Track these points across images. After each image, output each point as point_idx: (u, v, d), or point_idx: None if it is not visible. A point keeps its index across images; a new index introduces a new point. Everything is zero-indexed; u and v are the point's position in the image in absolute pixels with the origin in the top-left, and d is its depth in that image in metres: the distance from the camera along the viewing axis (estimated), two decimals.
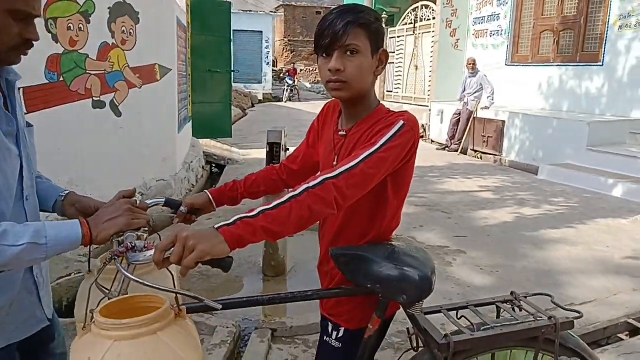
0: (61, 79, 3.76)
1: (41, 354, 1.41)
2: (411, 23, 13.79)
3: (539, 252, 4.43)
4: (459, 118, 9.97)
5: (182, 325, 1.07)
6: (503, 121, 8.98)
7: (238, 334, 2.89)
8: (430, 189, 6.72)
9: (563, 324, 1.42)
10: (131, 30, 4.48)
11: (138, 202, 1.28)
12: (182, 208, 1.49)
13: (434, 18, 12.15)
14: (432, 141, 11.41)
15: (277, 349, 2.83)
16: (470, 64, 9.69)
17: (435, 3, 12.02)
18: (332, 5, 33.16)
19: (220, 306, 1.08)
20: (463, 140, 9.90)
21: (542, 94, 9.42)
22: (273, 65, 23.09)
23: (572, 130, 7.71)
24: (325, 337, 1.45)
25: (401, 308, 1.43)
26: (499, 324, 1.41)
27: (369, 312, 1.36)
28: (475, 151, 9.68)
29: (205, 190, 1.56)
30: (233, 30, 8.54)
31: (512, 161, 8.69)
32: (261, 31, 21.38)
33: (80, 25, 3.93)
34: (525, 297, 1.58)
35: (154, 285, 1.04)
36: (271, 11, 26.03)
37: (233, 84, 9.77)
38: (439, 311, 1.50)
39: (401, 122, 1.31)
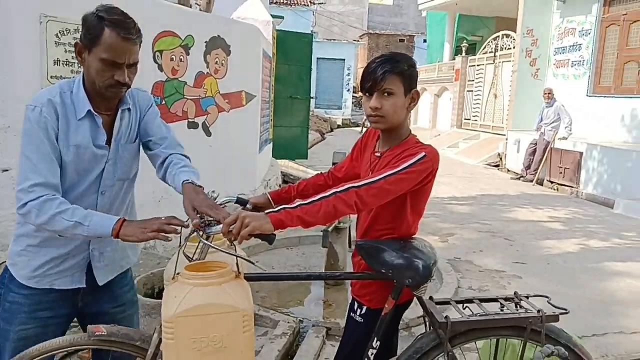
0: (163, 102, 4.44)
1: (95, 311, 1.82)
2: (492, 52, 13.84)
3: (598, 282, 4.46)
4: (536, 148, 9.88)
5: (239, 283, 1.55)
6: (581, 153, 8.82)
7: (297, 329, 3.29)
8: (496, 217, 6.81)
9: (548, 317, 1.69)
10: (223, 62, 5.14)
11: (215, 198, 1.73)
12: (248, 205, 1.94)
13: (514, 47, 12.17)
14: (508, 170, 11.32)
15: (330, 345, 3.19)
16: (546, 93, 9.64)
17: (516, 32, 12.05)
18: (415, 34, 33.41)
19: (266, 269, 1.53)
20: (539, 170, 9.78)
21: (625, 126, 9.15)
22: (354, 92, 23.74)
23: None
24: (351, 313, 1.83)
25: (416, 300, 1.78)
26: (493, 313, 1.70)
27: (386, 295, 1.71)
28: (552, 182, 9.53)
29: (266, 192, 2.01)
30: (317, 58, 9.20)
31: (589, 194, 8.50)
32: (344, 59, 22.14)
33: (181, 57, 4.62)
34: (527, 297, 1.86)
35: (220, 249, 1.55)
36: (355, 40, 26.85)
37: (314, 110, 10.40)
38: (448, 302, 1.83)
39: (423, 154, 1.67)
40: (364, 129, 21.85)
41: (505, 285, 4.31)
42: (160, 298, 2.98)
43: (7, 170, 3.26)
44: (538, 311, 1.71)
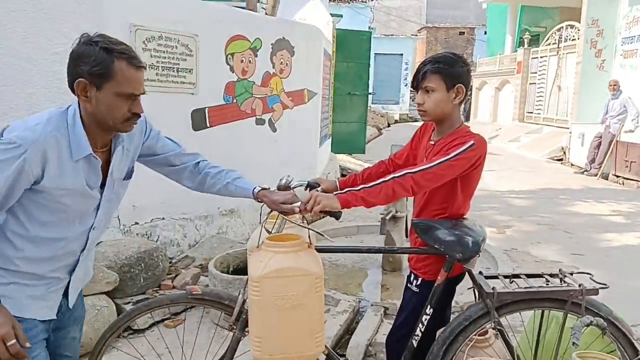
0: (234, 101, 4.83)
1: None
2: (555, 43, 13.49)
3: None
4: (601, 141, 9.63)
5: (311, 252, 1.83)
6: None
7: (357, 308, 3.57)
8: (556, 210, 6.79)
9: (588, 290, 1.87)
10: (288, 62, 5.48)
11: (290, 182, 2.05)
12: (318, 189, 2.23)
13: (578, 38, 11.83)
14: (572, 164, 11.06)
15: (387, 323, 3.44)
16: (612, 85, 9.36)
17: (580, 23, 11.72)
18: (475, 26, 32.65)
19: (333, 241, 1.83)
20: (604, 164, 9.53)
21: None
22: (411, 87, 23.62)
23: None
24: (408, 284, 2.09)
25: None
26: (537, 287, 1.90)
27: (439, 268, 1.96)
28: (617, 176, 9.26)
29: (335, 179, 2.29)
30: (375, 53, 9.41)
31: None
32: (402, 54, 22.13)
33: (250, 59, 4.99)
34: (571, 274, 2.03)
35: (296, 222, 1.87)
36: (413, 34, 26.67)
37: (372, 105, 10.62)
38: (496, 277, 2.04)
39: (472, 142, 1.90)
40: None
41: None
42: (235, 274, 3.38)
43: None
44: (579, 285, 1.88)
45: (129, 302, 3.20)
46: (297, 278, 1.72)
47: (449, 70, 1.93)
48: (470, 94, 15.62)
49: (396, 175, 1.84)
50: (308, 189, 2.20)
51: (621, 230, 5.87)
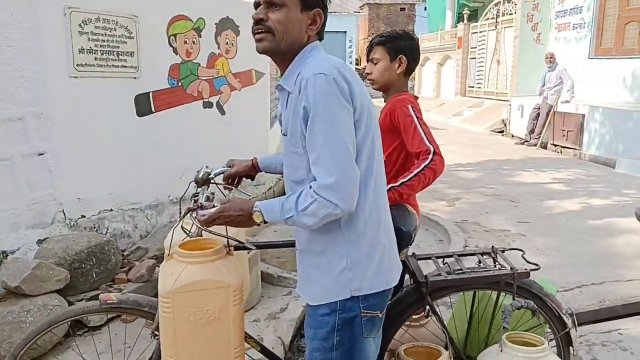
0: (180, 84, 4.66)
1: None
2: (493, 18, 13.84)
3: (598, 238, 4.72)
4: (539, 112, 10.03)
5: (231, 260, 1.67)
6: (583, 115, 8.98)
7: None
8: (501, 181, 7.05)
9: (520, 274, 1.87)
10: (233, 42, 5.32)
11: (209, 174, 1.90)
12: (231, 170, 2.06)
13: (515, 13, 12.19)
14: (512, 136, 11.49)
15: None
16: (548, 58, 9.74)
17: None
18: (415, 2, 32.95)
19: (254, 247, 1.82)
20: (543, 134, 9.96)
21: (626, 87, 9.27)
22: (356, 64, 23.73)
23: None
24: None
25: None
26: (469, 271, 1.90)
27: None
28: (555, 145, 9.72)
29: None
30: None
31: (592, 155, 8.69)
32: (345, 31, 22.13)
33: (194, 39, 4.81)
34: (503, 251, 2.03)
35: (212, 231, 1.61)
36: (355, 11, 26.66)
37: None
38: (429, 258, 2.03)
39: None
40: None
41: (510, 243, 4.57)
42: None
43: (42, 154, 3.52)
44: (511, 269, 1.89)
45: (82, 299, 3.05)
46: (212, 291, 1.57)
47: (392, 43, 2.16)
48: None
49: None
50: (229, 179, 2.02)
51: (562, 197, 6.17)
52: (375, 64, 2.19)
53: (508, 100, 12.28)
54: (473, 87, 15.33)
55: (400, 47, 2.16)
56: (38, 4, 3.38)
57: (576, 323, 1.95)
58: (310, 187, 1.32)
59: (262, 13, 1.41)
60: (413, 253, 2.02)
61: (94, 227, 3.79)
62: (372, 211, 1.43)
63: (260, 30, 1.43)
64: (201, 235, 1.74)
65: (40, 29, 3.41)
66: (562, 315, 1.95)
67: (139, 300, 1.87)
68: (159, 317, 1.68)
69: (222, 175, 2.00)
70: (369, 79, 2.24)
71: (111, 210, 3.99)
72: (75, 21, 3.63)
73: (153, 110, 4.38)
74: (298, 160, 1.41)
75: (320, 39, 1.50)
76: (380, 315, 1.50)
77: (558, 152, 9.56)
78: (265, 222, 1.42)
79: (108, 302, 1.80)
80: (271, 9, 1.40)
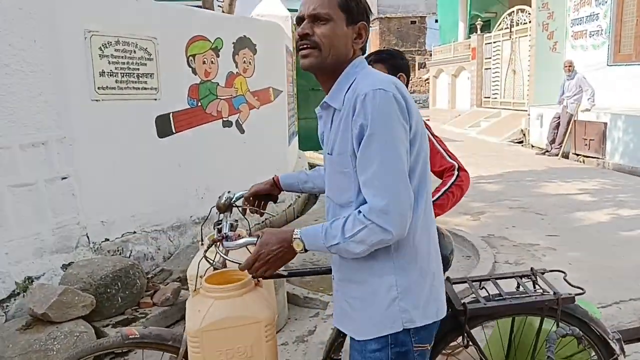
0: (199, 104, 4.64)
1: None
2: (507, 28, 13.76)
3: (633, 250, 4.54)
4: (559, 122, 9.87)
5: (260, 292, 1.58)
6: (605, 123, 8.80)
7: None
8: (525, 193, 6.90)
9: (564, 299, 1.74)
10: (251, 60, 5.32)
11: (231, 199, 1.79)
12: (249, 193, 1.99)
13: (530, 22, 12.09)
14: (532, 146, 11.31)
15: None
16: (567, 66, 9.61)
17: (531, 7, 11.97)
18: (426, 14, 33.05)
19: (287, 273, 1.71)
20: (564, 144, 9.78)
21: None
22: None
23: None
24: None
25: None
26: (510, 297, 1.77)
27: None
28: (577, 155, 9.53)
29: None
30: None
31: (616, 164, 8.49)
32: None
33: (212, 59, 4.81)
34: (543, 273, 1.90)
35: (238, 262, 1.43)
36: None
37: None
38: (464, 282, 1.92)
39: None
40: None
41: (541, 257, 4.43)
42: None
43: (65, 178, 3.50)
44: (554, 293, 1.76)
45: (108, 325, 3.00)
46: (243, 328, 1.49)
47: (391, 61, 2.21)
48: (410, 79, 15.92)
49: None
50: (249, 200, 1.90)
51: (590, 208, 6.00)
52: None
53: (525, 110, 12.13)
54: (489, 97, 15.21)
55: (399, 65, 2.21)
56: (59, 28, 3.39)
57: (624, 349, 1.83)
58: (360, 212, 1.23)
59: (308, 28, 1.33)
60: (447, 277, 1.89)
61: (118, 250, 3.75)
62: (423, 236, 1.34)
63: (306, 46, 1.34)
64: (226, 266, 1.67)
65: (61, 54, 3.41)
66: (609, 341, 1.83)
67: (162, 334, 1.78)
68: (187, 353, 1.57)
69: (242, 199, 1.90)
70: None
71: (134, 232, 3.96)
72: (96, 45, 3.64)
73: (173, 131, 4.36)
74: (346, 181, 1.31)
75: (364, 53, 1.43)
76: (429, 348, 1.40)
77: (580, 162, 9.36)
78: (305, 250, 1.30)
79: (130, 337, 1.72)
80: (317, 24, 1.32)
